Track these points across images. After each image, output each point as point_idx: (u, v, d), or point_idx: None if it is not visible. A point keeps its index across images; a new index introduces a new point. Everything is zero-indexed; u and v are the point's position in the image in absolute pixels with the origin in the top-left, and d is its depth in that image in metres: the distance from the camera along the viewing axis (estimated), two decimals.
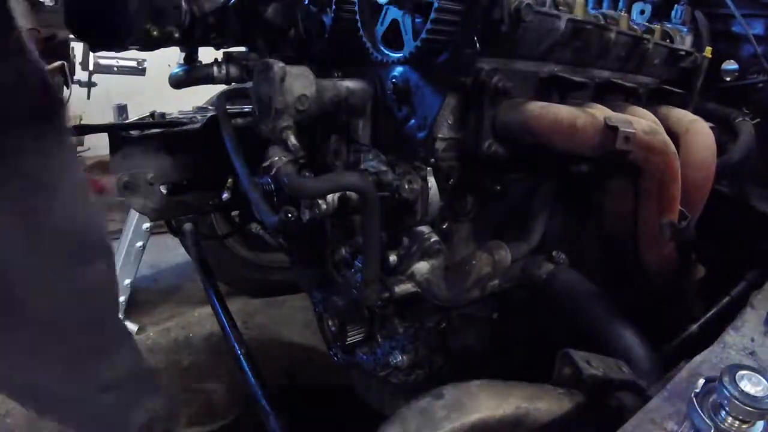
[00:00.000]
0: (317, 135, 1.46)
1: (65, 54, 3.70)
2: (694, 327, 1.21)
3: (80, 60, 3.60)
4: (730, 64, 1.63)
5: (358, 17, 1.17)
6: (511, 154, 1.16)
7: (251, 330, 2.82)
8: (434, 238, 1.21)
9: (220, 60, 1.64)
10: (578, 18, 1.16)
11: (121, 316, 2.69)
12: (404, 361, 1.27)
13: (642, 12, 1.58)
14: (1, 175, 0.78)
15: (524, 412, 0.80)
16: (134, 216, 2.66)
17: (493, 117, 1.13)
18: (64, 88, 3.61)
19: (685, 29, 1.59)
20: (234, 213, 2.26)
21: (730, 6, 1.48)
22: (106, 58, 3.46)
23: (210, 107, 2.04)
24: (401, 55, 1.10)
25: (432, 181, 1.16)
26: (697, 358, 0.75)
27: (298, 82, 1.14)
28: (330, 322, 1.40)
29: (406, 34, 1.08)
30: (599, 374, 0.84)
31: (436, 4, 0.98)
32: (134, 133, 1.69)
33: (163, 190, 1.78)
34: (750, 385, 0.60)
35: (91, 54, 3.44)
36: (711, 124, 1.39)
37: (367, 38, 1.17)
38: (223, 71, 1.61)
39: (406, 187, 1.16)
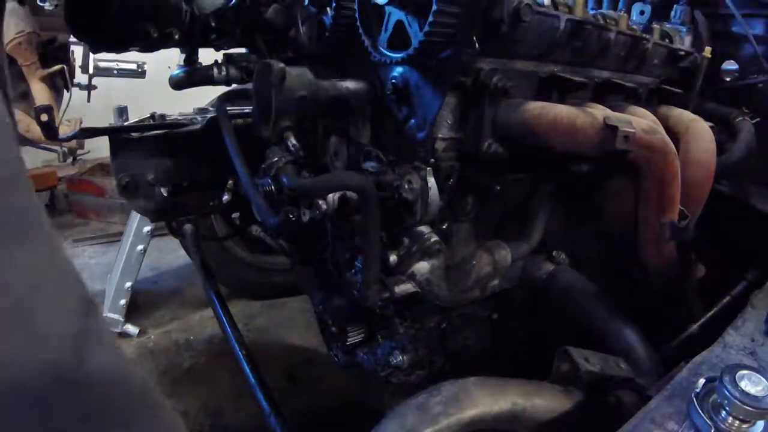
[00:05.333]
0: (317, 135, 1.46)
1: (65, 57, 3.71)
2: (694, 327, 1.21)
3: (80, 63, 3.62)
4: (730, 64, 1.63)
5: (357, 18, 1.17)
6: (511, 153, 1.16)
7: (252, 332, 2.82)
8: (434, 238, 1.21)
9: (220, 61, 1.64)
10: (578, 18, 1.16)
11: (122, 319, 2.70)
12: (404, 361, 1.27)
13: (642, 12, 1.58)
14: None
15: (521, 408, 0.80)
16: (135, 218, 2.66)
17: (493, 117, 1.13)
18: (65, 91, 3.61)
19: (685, 29, 1.59)
20: (234, 214, 2.27)
21: (729, 6, 1.48)
22: (106, 60, 3.47)
23: (210, 108, 2.05)
24: (401, 55, 1.10)
25: (432, 181, 1.16)
26: (698, 358, 0.75)
27: (298, 82, 1.14)
28: (330, 323, 1.40)
29: (412, 31, 1.08)
30: (597, 371, 0.84)
31: (435, 5, 0.98)
32: (135, 134, 1.70)
33: (164, 191, 1.78)
34: (750, 385, 0.60)
35: (91, 57, 3.45)
36: (711, 124, 1.39)
37: (366, 38, 1.17)
38: (223, 72, 1.62)
39: (406, 187, 1.16)
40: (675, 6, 1.60)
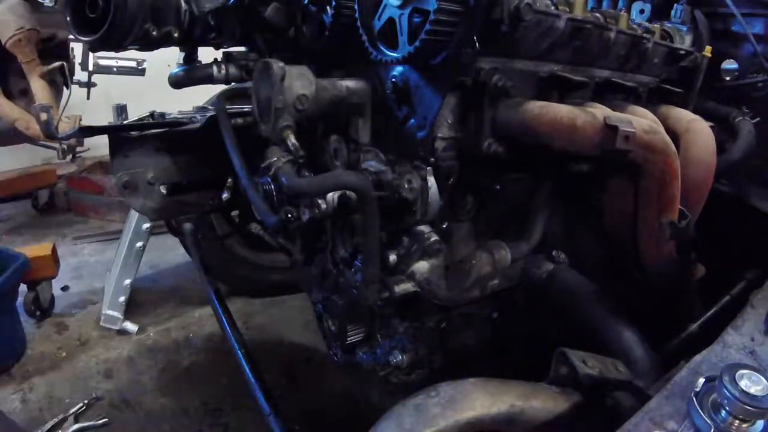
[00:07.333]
0: (317, 135, 1.46)
1: (65, 54, 3.70)
2: (694, 327, 1.21)
3: (80, 60, 3.61)
4: (730, 64, 1.63)
5: (357, 17, 1.17)
6: (511, 153, 1.16)
7: (251, 330, 2.82)
8: (434, 237, 1.21)
9: (219, 60, 1.63)
10: (578, 17, 1.16)
11: (121, 316, 2.70)
12: (404, 360, 1.27)
13: (641, 11, 1.58)
14: None
15: (518, 410, 0.80)
16: (134, 216, 2.66)
17: (492, 116, 1.13)
18: (64, 88, 3.61)
19: (685, 28, 1.59)
20: (234, 213, 2.27)
21: (729, 5, 1.48)
22: (106, 58, 3.46)
23: (210, 107, 2.04)
24: (401, 54, 1.10)
25: (432, 181, 1.16)
26: (697, 358, 0.75)
27: (298, 81, 1.14)
28: (330, 322, 1.40)
29: (402, 36, 1.08)
30: (595, 374, 0.84)
31: (435, 4, 0.98)
32: (134, 133, 1.69)
33: (163, 190, 1.78)
34: (750, 384, 0.60)
35: (91, 54, 3.45)
36: (711, 123, 1.39)
37: (366, 37, 1.17)
38: (223, 71, 1.61)
39: (406, 186, 1.16)
40: (675, 5, 1.60)
